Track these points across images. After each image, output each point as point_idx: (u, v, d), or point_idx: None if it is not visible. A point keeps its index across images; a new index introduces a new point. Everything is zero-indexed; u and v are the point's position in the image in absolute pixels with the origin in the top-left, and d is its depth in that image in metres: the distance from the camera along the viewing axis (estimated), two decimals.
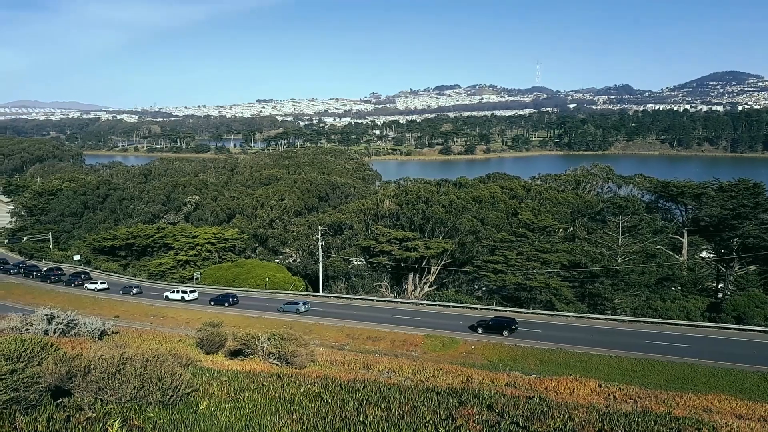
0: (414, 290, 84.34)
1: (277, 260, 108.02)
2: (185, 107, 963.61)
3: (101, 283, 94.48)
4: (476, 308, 70.35)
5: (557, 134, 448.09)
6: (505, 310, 67.97)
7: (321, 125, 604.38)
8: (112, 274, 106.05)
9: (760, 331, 54.81)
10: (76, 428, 11.94)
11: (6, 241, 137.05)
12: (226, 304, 79.32)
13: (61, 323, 38.34)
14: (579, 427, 14.07)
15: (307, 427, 13.20)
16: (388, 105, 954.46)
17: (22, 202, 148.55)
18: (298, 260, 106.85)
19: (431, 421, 13.71)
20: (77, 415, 12.70)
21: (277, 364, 30.61)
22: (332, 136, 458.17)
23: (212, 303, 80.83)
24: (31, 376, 13.27)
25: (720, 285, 73.09)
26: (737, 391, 39.85)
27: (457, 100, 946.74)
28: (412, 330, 62.57)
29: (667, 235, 75.56)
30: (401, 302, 78.08)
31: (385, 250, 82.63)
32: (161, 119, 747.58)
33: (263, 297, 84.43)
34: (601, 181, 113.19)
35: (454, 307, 71.72)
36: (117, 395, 13.96)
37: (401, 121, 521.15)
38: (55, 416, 12.36)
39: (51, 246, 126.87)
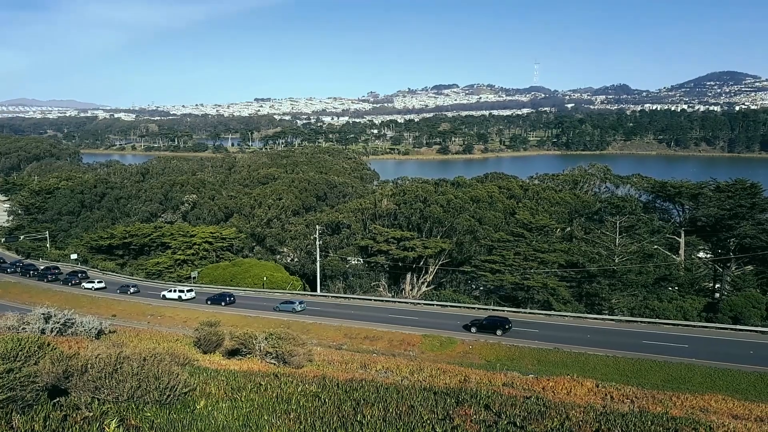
0: (412, 290, 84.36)
1: (275, 259, 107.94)
2: (183, 106, 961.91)
3: (98, 282, 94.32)
4: (474, 308, 70.39)
5: (555, 134, 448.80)
6: (503, 310, 68.04)
7: (319, 124, 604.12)
8: (110, 273, 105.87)
9: (756, 331, 54.93)
10: (72, 427, 11.92)
11: (3, 239, 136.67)
12: (223, 304, 79.25)
13: (58, 322, 38.24)
14: (576, 427, 14.09)
15: (304, 427, 13.19)
16: (386, 104, 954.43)
17: (19, 200, 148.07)
18: (296, 259, 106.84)
19: (429, 421, 13.71)
20: (74, 415, 12.67)
21: (274, 364, 30.58)
22: (330, 136, 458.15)
23: (209, 302, 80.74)
24: (27, 376, 13.23)
25: (717, 285, 73.29)
26: (734, 391, 39.93)
27: (455, 100, 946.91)
28: (410, 330, 62.60)
29: (665, 235, 75.68)
30: (399, 302, 78.09)
31: (383, 249, 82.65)
32: (159, 118, 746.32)
33: (260, 296, 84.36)
34: (598, 181, 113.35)
35: (451, 306, 71.76)
36: (114, 394, 13.94)
37: (399, 121, 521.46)
38: (51, 415, 12.34)
39: (48, 245, 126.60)
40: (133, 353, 15.98)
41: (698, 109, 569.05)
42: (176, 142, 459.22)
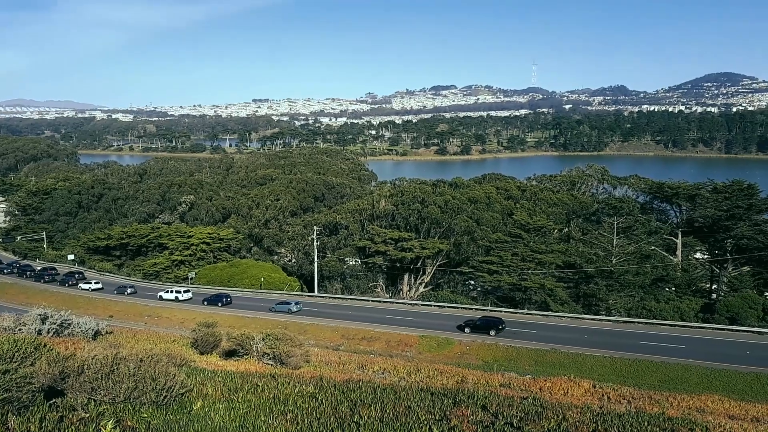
0: (409, 291, 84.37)
1: (273, 260, 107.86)
2: (181, 107, 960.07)
3: (95, 283, 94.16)
4: (471, 308, 70.42)
5: (553, 135, 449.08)
6: (501, 311, 68.09)
7: (317, 125, 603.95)
8: (107, 273, 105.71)
9: (753, 331, 55.08)
10: (69, 429, 11.90)
11: (0, 240, 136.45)
12: (220, 304, 79.18)
13: (54, 323, 38.16)
14: (573, 427, 14.11)
15: (301, 428, 13.19)
16: (384, 105, 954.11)
17: (16, 201, 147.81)
18: (294, 260, 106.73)
19: (426, 422, 13.72)
20: (70, 416, 12.65)
21: (271, 365, 30.57)
22: (328, 136, 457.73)
23: (205, 303, 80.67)
24: (23, 377, 13.21)
25: (714, 286, 73.42)
26: (730, 391, 40.04)
27: (453, 101, 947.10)
28: (407, 330, 62.60)
29: (662, 236, 75.84)
30: (396, 303, 78.09)
31: (381, 250, 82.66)
32: (157, 119, 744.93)
33: (257, 297, 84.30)
34: (596, 181, 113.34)
35: (449, 307, 71.78)
36: (110, 395, 13.92)
37: (397, 122, 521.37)
38: (48, 417, 12.31)
39: (45, 245, 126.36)
40: (129, 354, 15.96)
41: (695, 110, 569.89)
42: (174, 143, 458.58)
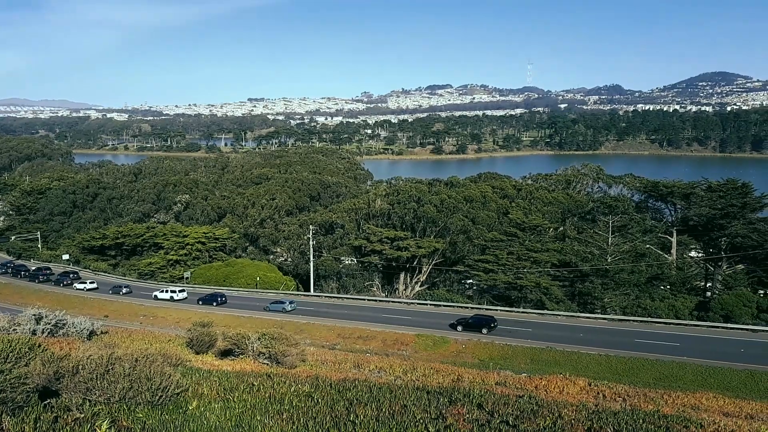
0: (405, 289, 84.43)
1: (268, 260, 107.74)
2: (176, 106, 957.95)
3: (90, 283, 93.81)
4: (467, 307, 70.51)
5: (548, 134, 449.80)
6: (496, 309, 68.24)
7: (312, 124, 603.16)
8: (102, 273, 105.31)
9: (747, 329, 55.34)
10: (63, 429, 11.85)
11: None
12: (215, 304, 79.05)
13: (49, 323, 37.98)
14: (568, 425, 14.14)
15: (297, 427, 13.18)
16: (379, 104, 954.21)
17: (10, 201, 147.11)
18: (289, 260, 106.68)
19: (421, 420, 13.72)
20: (65, 416, 12.61)
21: (267, 364, 30.52)
22: (324, 136, 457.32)
23: (200, 302, 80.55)
24: (18, 377, 13.15)
25: (708, 284, 73.78)
26: (725, 388, 40.26)
27: (449, 100, 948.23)
28: (403, 329, 62.65)
29: (657, 235, 76.12)
30: (392, 301, 78.11)
31: (377, 249, 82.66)
32: (152, 118, 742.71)
33: (252, 296, 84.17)
34: (591, 180, 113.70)
35: (445, 306, 71.86)
36: (105, 396, 13.87)
37: (393, 121, 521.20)
38: (42, 417, 12.26)
39: (39, 245, 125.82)
40: (125, 354, 15.91)
41: (690, 109, 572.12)
42: (169, 142, 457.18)
